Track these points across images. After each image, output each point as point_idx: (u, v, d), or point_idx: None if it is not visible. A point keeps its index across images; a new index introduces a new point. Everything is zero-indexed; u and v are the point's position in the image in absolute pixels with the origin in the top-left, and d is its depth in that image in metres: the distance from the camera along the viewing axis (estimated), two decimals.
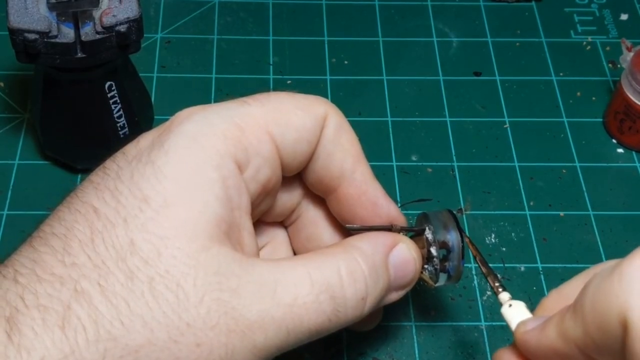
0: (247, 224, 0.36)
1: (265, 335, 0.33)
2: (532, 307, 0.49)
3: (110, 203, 0.33)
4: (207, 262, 0.33)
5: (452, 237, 0.41)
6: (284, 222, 0.43)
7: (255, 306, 0.33)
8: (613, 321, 0.29)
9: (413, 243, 0.40)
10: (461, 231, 0.41)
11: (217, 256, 0.33)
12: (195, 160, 0.34)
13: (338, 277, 0.36)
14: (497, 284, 0.39)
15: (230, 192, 0.35)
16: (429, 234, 0.41)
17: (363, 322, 0.41)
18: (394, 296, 0.39)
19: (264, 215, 0.41)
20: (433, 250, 0.41)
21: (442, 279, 0.41)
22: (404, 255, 0.39)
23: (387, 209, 0.40)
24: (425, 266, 0.41)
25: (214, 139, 0.35)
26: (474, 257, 0.42)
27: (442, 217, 0.41)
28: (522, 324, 0.35)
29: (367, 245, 0.38)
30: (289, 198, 0.42)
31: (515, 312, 0.37)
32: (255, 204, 0.37)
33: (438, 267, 0.41)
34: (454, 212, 0.42)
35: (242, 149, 0.36)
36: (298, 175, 0.41)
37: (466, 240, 0.42)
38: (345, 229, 0.41)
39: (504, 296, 0.38)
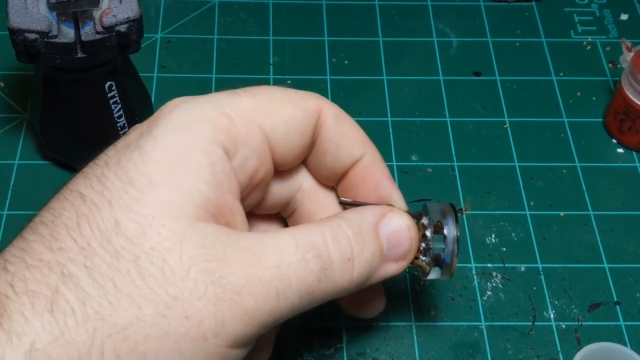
0: (239, 208, 0.36)
1: (254, 299, 0.33)
2: (532, 307, 0.49)
3: (96, 188, 0.34)
4: (193, 236, 0.33)
5: (449, 223, 0.41)
6: (282, 213, 0.43)
7: (243, 272, 0.33)
8: None
9: (405, 213, 0.40)
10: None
11: (203, 230, 0.33)
12: (183, 145, 0.34)
13: (322, 239, 0.36)
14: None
15: (218, 176, 0.35)
16: (424, 220, 0.41)
17: (363, 306, 0.41)
18: (394, 267, 0.39)
19: (257, 208, 0.41)
20: (428, 234, 0.40)
21: (436, 272, 0.41)
22: (396, 223, 0.39)
23: (389, 190, 0.41)
24: (423, 258, 0.41)
25: (203, 126, 0.35)
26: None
27: (441, 207, 0.41)
28: None
29: (353, 214, 0.38)
30: (283, 190, 0.42)
31: None
32: (242, 195, 0.37)
33: (432, 253, 0.41)
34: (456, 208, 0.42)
35: (230, 138, 0.36)
36: (293, 168, 0.41)
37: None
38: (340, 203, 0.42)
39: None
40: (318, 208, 0.42)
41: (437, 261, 0.41)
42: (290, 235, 0.35)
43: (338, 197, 0.42)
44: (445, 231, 0.41)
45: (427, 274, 0.41)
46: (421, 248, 0.41)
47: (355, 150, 0.40)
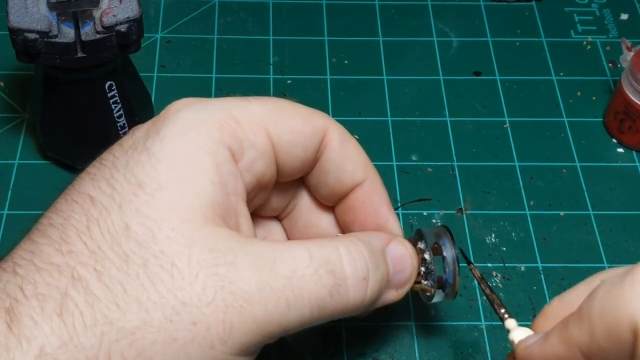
0: (243, 209, 0.36)
1: (264, 307, 0.33)
2: (532, 307, 0.49)
3: (106, 191, 0.34)
4: (202, 240, 0.33)
5: (446, 244, 0.41)
6: (278, 217, 0.43)
7: (254, 278, 0.33)
8: (623, 328, 0.29)
9: (407, 241, 0.41)
10: (466, 257, 0.41)
11: (212, 234, 0.33)
12: (190, 145, 0.34)
13: (337, 255, 0.36)
14: (502, 311, 0.39)
15: (224, 177, 0.35)
16: (421, 245, 0.41)
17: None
18: (393, 295, 0.39)
19: (259, 209, 0.41)
20: (427, 257, 0.41)
21: (439, 294, 0.42)
22: (400, 250, 0.39)
23: (387, 216, 0.41)
24: (425, 282, 0.41)
25: (209, 127, 0.35)
26: (478, 283, 0.41)
27: (434, 230, 0.42)
28: (522, 340, 0.35)
29: (365, 235, 0.38)
30: (284, 197, 0.42)
31: (520, 333, 0.37)
32: (250, 197, 0.37)
33: (434, 276, 0.41)
34: (450, 228, 0.42)
35: (236, 140, 0.36)
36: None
37: (471, 267, 0.42)
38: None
39: (511, 323, 0.38)
40: (315, 204, 0.43)
41: (440, 283, 0.41)
42: (304, 247, 0.35)
43: (337, 220, 0.42)
44: (444, 252, 0.41)
45: (432, 296, 0.42)
46: (422, 272, 0.41)
47: (357, 174, 0.40)
